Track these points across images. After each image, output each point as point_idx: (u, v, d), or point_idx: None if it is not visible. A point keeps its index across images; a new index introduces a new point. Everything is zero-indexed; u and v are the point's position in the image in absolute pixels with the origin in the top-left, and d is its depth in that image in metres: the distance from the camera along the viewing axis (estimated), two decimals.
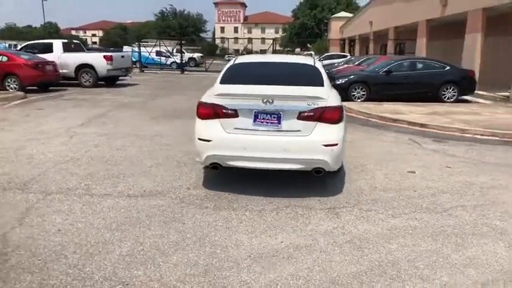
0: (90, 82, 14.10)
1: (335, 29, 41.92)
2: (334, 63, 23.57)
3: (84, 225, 3.29)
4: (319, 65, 4.72)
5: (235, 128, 3.84)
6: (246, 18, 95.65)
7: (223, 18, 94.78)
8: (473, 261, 2.86)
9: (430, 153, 5.87)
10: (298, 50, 47.06)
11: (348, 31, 37.57)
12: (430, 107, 9.89)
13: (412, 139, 6.79)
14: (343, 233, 3.26)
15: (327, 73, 4.82)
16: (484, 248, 3.05)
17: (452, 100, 11.17)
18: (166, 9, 69.13)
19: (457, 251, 3.00)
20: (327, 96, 3.91)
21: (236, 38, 71.22)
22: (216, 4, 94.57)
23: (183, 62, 27.99)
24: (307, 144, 3.76)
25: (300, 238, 3.15)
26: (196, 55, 36.06)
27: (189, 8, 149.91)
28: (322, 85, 4.20)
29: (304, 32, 45.82)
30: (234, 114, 3.83)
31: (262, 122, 3.81)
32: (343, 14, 42.21)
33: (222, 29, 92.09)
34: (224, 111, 3.84)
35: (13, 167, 4.75)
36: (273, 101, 3.74)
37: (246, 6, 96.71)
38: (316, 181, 4.35)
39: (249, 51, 47.77)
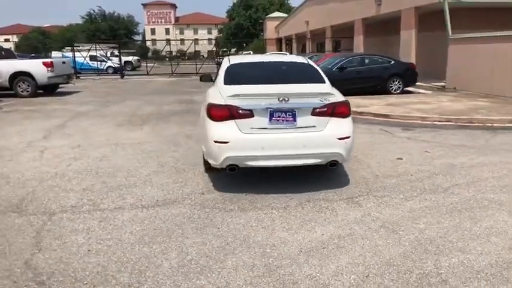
0: (28, 92, 12.82)
1: (270, 29, 42.98)
2: None
3: (114, 242, 3.07)
4: (312, 63, 4.89)
5: (252, 128, 3.85)
6: (177, 19, 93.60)
7: (153, 20, 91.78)
8: (491, 230, 3.22)
9: (405, 141, 6.37)
10: (233, 50, 47.37)
11: (283, 30, 38.74)
12: (384, 99, 10.67)
13: (383, 129, 7.30)
14: (373, 219, 3.45)
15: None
16: (494, 219, 3.43)
17: (398, 92, 12.15)
18: (94, 11, 65.15)
19: (474, 223, 3.35)
20: (335, 92, 4.09)
21: (168, 40, 69.53)
22: (144, 5, 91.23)
23: (119, 66, 26.80)
24: (323, 138, 3.90)
25: (338, 229, 3.27)
26: (132, 58, 34.57)
27: (117, 9, 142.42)
28: (324, 82, 4.38)
29: (241, 32, 46.27)
30: (250, 114, 3.83)
31: (278, 120, 3.86)
32: (277, 14, 43.44)
33: (153, 31, 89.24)
34: (240, 111, 3.82)
35: None
36: (288, 99, 3.81)
37: (176, 7, 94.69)
38: (320, 175, 4.53)
39: (183, 53, 46.97)
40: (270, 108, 3.84)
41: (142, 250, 2.95)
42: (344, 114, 3.99)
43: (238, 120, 3.84)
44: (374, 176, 4.59)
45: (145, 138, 6.66)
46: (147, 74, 24.36)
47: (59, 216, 3.54)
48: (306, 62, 4.87)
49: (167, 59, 41.02)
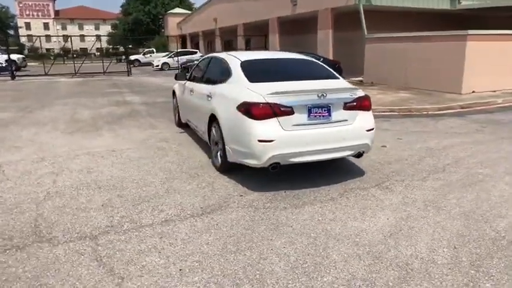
0: None
1: (172, 25, 41.70)
2: (193, 60, 23.81)
3: (200, 257, 2.82)
4: (317, 60, 5.09)
5: (293, 125, 3.88)
6: (57, 12, 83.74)
7: (27, 13, 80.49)
8: (503, 198, 3.88)
9: None
10: (130, 46, 44.48)
11: (188, 27, 38.01)
12: None
13: None
14: (413, 201, 3.82)
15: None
16: (498, 188, 4.13)
17: None
18: None
19: (488, 192, 3.99)
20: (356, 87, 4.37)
21: (48, 36, 61.79)
22: None
23: (3, 65, 23.13)
24: (354, 131, 4.14)
25: (395, 212, 3.56)
26: (17, 57, 29.90)
27: None
28: (338, 78, 4.62)
29: (140, 28, 43.75)
30: (291, 111, 3.85)
31: (316, 116, 3.97)
32: (179, 10, 42.33)
33: (28, 25, 78.27)
34: (282, 109, 3.82)
35: None
36: (326, 95, 3.94)
37: (55, 0, 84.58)
38: (329, 167, 4.79)
39: (67, 50, 42.37)
40: (308, 104, 3.92)
41: (239, 259, 2.79)
42: (368, 107, 4.29)
43: (280, 118, 3.83)
44: (379, 163, 5.03)
45: (118, 145, 6.01)
46: (46, 74, 21.42)
47: (106, 239, 3.07)
48: (311, 59, 5.05)
49: (52, 58, 36.59)
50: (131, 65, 32.69)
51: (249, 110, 3.85)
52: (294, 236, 3.13)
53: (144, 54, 36.09)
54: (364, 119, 4.22)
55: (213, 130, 4.73)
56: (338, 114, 4.06)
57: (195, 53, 29.89)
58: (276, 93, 3.85)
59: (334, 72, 4.71)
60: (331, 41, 16.05)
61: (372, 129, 4.27)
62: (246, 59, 4.70)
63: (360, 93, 4.24)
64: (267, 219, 3.42)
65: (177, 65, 27.56)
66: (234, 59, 4.77)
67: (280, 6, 19.28)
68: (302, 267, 2.68)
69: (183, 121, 7.01)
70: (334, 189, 4.11)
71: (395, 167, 4.89)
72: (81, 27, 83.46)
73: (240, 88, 4.21)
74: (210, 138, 4.93)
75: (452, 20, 17.01)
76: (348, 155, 4.25)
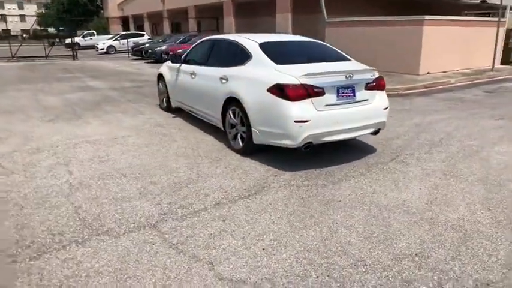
0: None
1: (112, 6, 39.01)
2: (143, 43, 22.71)
3: (273, 235, 2.88)
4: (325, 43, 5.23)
5: (325, 105, 4.01)
6: None
7: None
8: (502, 162, 4.40)
9: None
10: (62, 28, 40.95)
11: (130, 8, 35.90)
12: None
13: None
14: (433, 171, 4.19)
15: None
16: (493, 157, 4.66)
17: None
18: None
19: (488, 161, 4.49)
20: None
21: None
22: None
23: None
24: (375, 110, 4.39)
25: (424, 183, 3.87)
26: None
27: None
28: (350, 59, 4.81)
29: (76, 9, 40.26)
30: (322, 92, 3.98)
31: (343, 96, 4.13)
32: None
33: None
34: (315, 90, 3.93)
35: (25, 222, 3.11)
36: (352, 76, 4.10)
37: None
38: (341, 146, 5.04)
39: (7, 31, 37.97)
40: (337, 85, 4.07)
41: (312, 234, 2.91)
42: (383, 87, 4.55)
43: (314, 99, 3.94)
44: (381, 139, 5.33)
45: (115, 133, 5.69)
46: None
47: (168, 227, 3.00)
48: (320, 42, 5.17)
49: None
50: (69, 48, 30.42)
51: (284, 91, 3.90)
52: (349, 209, 3.31)
53: (83, 36, 33.53)
54: (381, 98, 4.49)
55: (230, 113, 4.71)
56: (361, 94, 4.27)
57: (143, 35, 28.46)
58: (309, 74, 3.94)
59: (344, 54, 4.90)
60: (290, 24, 16.28)
61: (387, 107, 4.56)
62: (263, 41, 4.70)
63: (377, 74, 4.48)
64: (314, 196, 3.56)
65: (124, 48, 26.14)
66: (250, 41, 4.74)
67: None
68: (374, 237, 2.87)
69: (174, 106, 6.81)
70: (358, 165, 4.35)
71: (398, 142, 5.26)
72: (1, 6, 74.88)
73: (267, 70, 4.22)
74: (224, 121, 4.89)
75: (401, 4, 18.11)
76: (368, 133, 4.50)
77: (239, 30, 20.00)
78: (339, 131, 4.12)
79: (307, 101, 3.93)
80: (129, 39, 25.17)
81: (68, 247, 2.72)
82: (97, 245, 2.76)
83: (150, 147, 5.02)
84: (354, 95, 4.22)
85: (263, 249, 2.72)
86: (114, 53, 26.59)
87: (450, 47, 12.30)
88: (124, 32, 28.81)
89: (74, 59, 20.58)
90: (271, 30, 17.07)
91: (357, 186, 3.79)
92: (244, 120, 4.41)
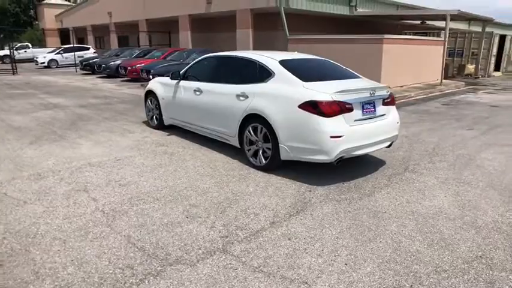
0: None
1: (50, 17, 36.58)
2: (91, 57, 21.62)
3: (345, 250, 2.95)
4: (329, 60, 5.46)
5: (355, 120, 4.19)
6: None
7: None
8: (497, 167, 4.92)
9: None
10: None
11: (71, 20, 33.90)
12: None
13: None
14: (446, 179, 4.56)
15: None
16: (485, 163, 5.19)
17: None
18: None
19: (484, 167, 4.99)
20: None
21: None
22: None
23: None
24: (391, 124, 4.68)
25: (445, 191, 4.20)
26: None
27: None
28: (360, 76, 5.08)
29: (7, 19, 36.85)
30: (351, 107, 4.16)
31: (367, 112, 4.36)
32: (56, 0, 37.26)
33: None
34: (347, 106, 4.10)
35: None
36: (375, 92, 4.35)
37: None
38: (353, 159, 5.26)
39: None
40: (362, 101, 4.28)
41: (379, 246, 3.03)
42: (394, 103, 4.87)
43: (345, 115, 4.11)
44: (383, 152, 5.66)
45: (114, 153, 5.36)
46: None
47: (239, 250, 2.93)
48: (327, 60, 5.39)
49: None
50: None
51: (319, 107, 4.02)
52: (397, 220, 3.49)
53: (16, 49, 30.87)
54: (394, 113, 4.81)
55: (250, 130, 4.71)
56: (380, 109, 4.54)
57: (88, 49, 27.02)
58: (341, 91, 4.11)
59: (352, 71, 5.18)
60: (251, 40, 16.58)
61: (399, 122, 4.89)
62: (282, 59, 4.80)
63: (390, 90, 4.80)
64: (359, 209, 3.69)
65: (68, 62, 24.58)
66: (268, 58, 4.81)
67: (192, 3, 18.94)
68: (435, 244, 3.06)
69: (167, 123, 6.60)
70: (379, 177, 4.58)
71: (401, 154, 5.63)
72: None
73: (294, 87, 4.32)
74: (242, 138, 4.87)
75: (352, 24, 19.39)
76: (385, 146, 4.77)
77: (197, 45, 19.89)
78: (366, 145, 4.33)
79: (339, 116, 4.09)
80: (71, 53, 23.75)
81: (146, 281, 2.53)
82: (177, 275, 2.60)
83: (164, 167, 4.81)
84: (375, 111, 4.47)
85: (345, 264, 2.77)
86: (57, 67, 24.85)
87: (405, 63, 13.43)
88: (67, 45, 27.07)
89: (14, 74, 18.86)
90: (232, 45, 17.24)
91: (390, 198, 4.00)
92: (270, 136, 4.45)
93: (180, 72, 6.11)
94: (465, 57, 19.48)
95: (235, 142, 5.06)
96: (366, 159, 5.30)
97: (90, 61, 19.65)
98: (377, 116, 4.51)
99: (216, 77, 5.44)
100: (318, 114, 4.04)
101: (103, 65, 17.87)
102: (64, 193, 3.96)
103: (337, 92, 4.11)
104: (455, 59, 19.47)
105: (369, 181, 4.45)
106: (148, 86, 7.02)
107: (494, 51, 20.12)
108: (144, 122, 7.48)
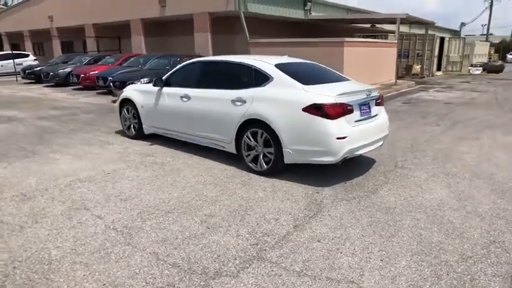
0: None
1: None
2: (34, 65, 20.12)
3: (375, 248, 3.04)
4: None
5: (355, 121, 4.34)
6: None
7: None
8: (473, 156, 5.35)
9: None
10: None
11: (3, 25, 31.17)
12: None
13: None
14: (435, 174, 4.87)
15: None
16: (466, 153, 5.63)
17: None
18: None
19: (464, 155, 5.41)
20: None
21: None
22: None
23: None
24: (383, 124, 4.91)
25: (439, 184, 4.50)
26: None
27: None
28: (349, 79, 5.26)
29: None
30: (352, 109, 4.30)
31: (364, 112, 4.54)
32: None
33: None
34: (349, 108, 4.24)
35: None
36: (370, 93, 4.53)
37: None
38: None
39: None
40: (359, 102, 4.45)
41: (404, 240, 3.17)
42: (382, 104, 5.10)
43: (347, 116, 4.24)
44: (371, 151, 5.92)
45: (101, 167, 5.02)
46: None
47: (274, 256, 2.91)
48: (316, 63, 5.51)
49: None
50: None
51: (324, 110, 4.10)
52: (409, 214, 3.67)
53: None
54: (384, 113, 5.04)
55: (249, 135, 4.68)
56: (373, 110, 4.74)
57: (27, 55, 25.04)
58: (342, 94, 4.24)
59: (341, 74, 5.36)
60: (210, 43, 16.43)
61: (387, 121, 5.13)
62: (277, 63, 4.82)
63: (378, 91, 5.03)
64: (370, 207, 3.82)
65: (3, 71, 22.62)
66: (263, 62, 4.81)
67: (144, 7, 18.30)
68: (450, 233, 3.27)
69: (147, 132, 6.34)
70: (376, 175, 4.79)
71: (385, 152, 5.89)
72: None
73: (295, 91, 4.36)
74: (240, 144, 4.82)
75: (306, 27, 19.96)
76: (379, 145, 4.99)
77: (152, 49, 19.26)
78: (366, 144, 4.51)
79: (342, 118, 4.21)
80: (6, 61, 21.92)
81: None
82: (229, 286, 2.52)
83: (161, 178, 4.62)
84: (370, 111, 4.66)
85: (381, 260, 2.86)
86: None
87: (363, 64, 14.09)
88: (3, 52, 24.89)
89: None
90: (190, 49, 16.96)
91: (394, 194, 4.19)
92: (272, 141, 4.45)
93: (163, 78, 5.90)
94: (411, 58, 20.97)
95: (231, 148, 5.00)
96: (356, 158, 5.49)
97: (35, 69, 18.21)
98: (372, 117, 4.71)
99: (205, 83, 5.33)
100: (322, 116, 4.12)
101: (51, 73, 16.66)
102: (63, 213, 3.65)
103: (339, 95, 4.23)
104: (402, 60, 20.87)
105: (368, 179, 4.62)
106: (123, 94, 6.69)
107: (436, 52, 21.87)
108: (117, 132, 7.10)
